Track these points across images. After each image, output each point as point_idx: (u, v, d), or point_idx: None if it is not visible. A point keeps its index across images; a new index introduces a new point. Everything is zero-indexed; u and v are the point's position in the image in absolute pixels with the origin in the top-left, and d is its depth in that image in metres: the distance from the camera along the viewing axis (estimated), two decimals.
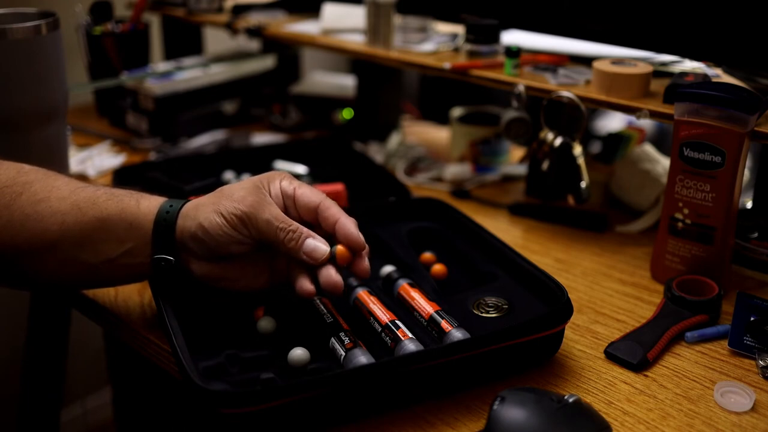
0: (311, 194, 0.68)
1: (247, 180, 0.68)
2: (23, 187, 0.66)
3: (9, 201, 0.65)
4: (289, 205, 0.68)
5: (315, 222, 0.68)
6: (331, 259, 0.66)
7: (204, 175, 1.03)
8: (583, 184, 0.93)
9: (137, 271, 0.67)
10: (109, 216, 0.66)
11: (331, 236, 0.67)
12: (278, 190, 0.67)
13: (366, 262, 0.67)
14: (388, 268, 0.78)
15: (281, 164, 1.07)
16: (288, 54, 1.42)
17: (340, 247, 0.66)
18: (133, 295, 0.79)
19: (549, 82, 0.93)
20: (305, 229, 0.66)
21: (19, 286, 0.73)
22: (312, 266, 0.66)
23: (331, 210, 0.67)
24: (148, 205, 0.67)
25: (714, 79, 0.86)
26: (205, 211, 0.65)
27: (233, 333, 0.67)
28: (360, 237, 0.66)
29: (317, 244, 0.65)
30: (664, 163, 1.00)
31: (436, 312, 0.69)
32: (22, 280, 0.70)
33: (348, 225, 0.66)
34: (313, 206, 0.67)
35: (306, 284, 0.66)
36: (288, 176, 0.69)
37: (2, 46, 0.84)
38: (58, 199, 0.66)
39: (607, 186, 1.04)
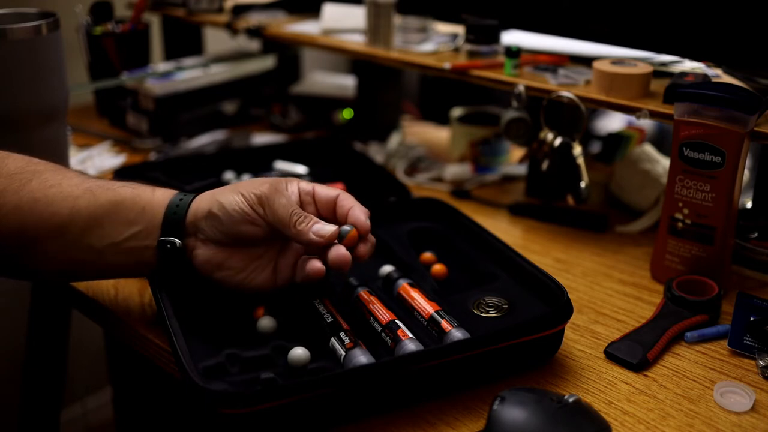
0: (330, 189, 0.71)
1: (267, 177, 0.71)
2: (33, 174, 0.67)
3: (18, 187, 0.66)
4: (307, 202, 0.70)
5: (332, 217, 0.70)
6: (341, 240, 0.67)
7: (204, 175, 1.03)
8: (583, 184, 0.92)
9: (140, 258, 0.68)
10: (123, 200, 0.67)
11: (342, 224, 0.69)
12: (296, 189, 0.69)
13: (366, 247, 0.68)
14: (388, 268, 0.78)
15: (281, 164, 1.07)
16: (288, 54, 1.42)
17: (351, 229, 0.67)
18: (134, 295, 0.79)
19: (549, 82, 0.93)
20: (316, 218, 0.67)
21: (19, 276, 0.73)
22: (319, 252, 0.67)
23: (348, 200, 0.70)
24: (163, 193, 0.69)
25: (714, 79, 0.86)
26: (225, 192, 0.68)
27: (233, 333, 0.67)
28: (367, 222, 0.68)
29: (325, 225, 0.67)
30: (664, 163, 1.00)
31: (436, 312, 0.69)
32: (24, 269, 0.70)
33: (358, 211, 0.68)
34: (332, 198, 0.70)
35: (316, 263, 0.67)
36: (305, 180, 0.72)
37: (3, 47, 0.84)
38: (70, 185, 0.67)
39: (607, 186, 1.04)
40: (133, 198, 0.67)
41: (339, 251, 0.66)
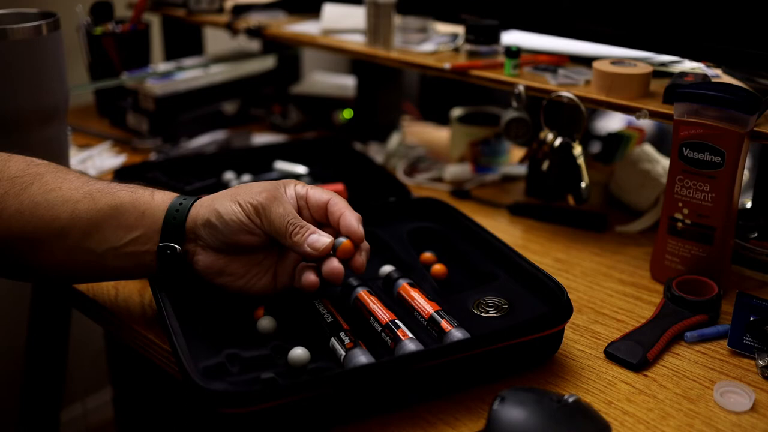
0: (322, 193, 0.70)
1: (264, 182, 0.70)
2: (34, 177, 0.67)
3: (19, 191, 0.66)
4: (302, 206, 0.70)
5: (326, 221, 0.70)
6: (334, 252, 0.67)
7: (204, 175, 1.03)
8: (583, 184, 0.93)
9: (141, 262, 0.68)
10: (123, 204, 0.67)
11: (337, 232, 0.69)
12: (293, 192, 0.70)
13: (362, 257, 0.68)
14: (388, 268, 0.78)
15: (281, 164, 1.07)
16: (288, 54, 1.42)
17: (345, 241, 0.68)
18: (134, 295, 0.79)
19: (549, 82, 0.93)
20: (312, 227, 0.68)
21: (20, 278, 0.73)
22: (316, 261, 0.67)
23: (339, 205, 0.69)
24: (162, 196, 0.69)
25: (714, 79, 0.86)
26: (222, 200, 0.68)
27: (233, 333, 0.68)
28: (360, 229, 0.68)
29: (320, 237, 0.67)
30: (663, 163, 1.00)
31: (436, 312, 0.69)
32: (25, 271, 0.70)
33: (350, 218, 0.68)
34: (323, 203, 0.70)
35: (311, 276, 0.68)
36: (302, 183, 0.72)
37: (3, 47, 0.84)
38: (70, 189, 0.67)
39: (607, 186, 1.04)
40: (132, 202, 0.67)
41: (332, 264, 0.67)
